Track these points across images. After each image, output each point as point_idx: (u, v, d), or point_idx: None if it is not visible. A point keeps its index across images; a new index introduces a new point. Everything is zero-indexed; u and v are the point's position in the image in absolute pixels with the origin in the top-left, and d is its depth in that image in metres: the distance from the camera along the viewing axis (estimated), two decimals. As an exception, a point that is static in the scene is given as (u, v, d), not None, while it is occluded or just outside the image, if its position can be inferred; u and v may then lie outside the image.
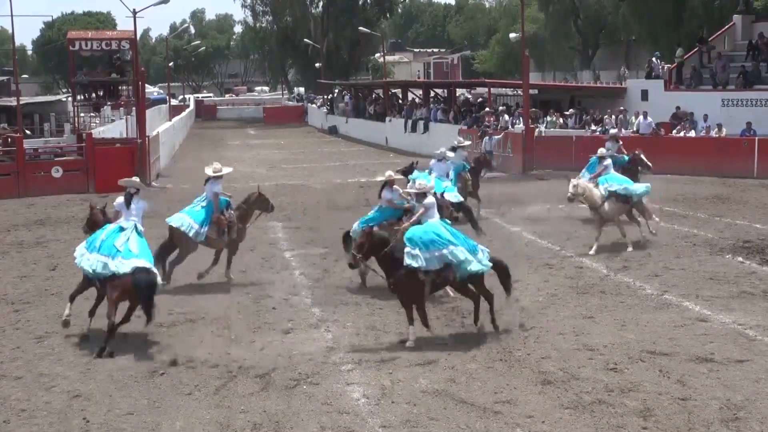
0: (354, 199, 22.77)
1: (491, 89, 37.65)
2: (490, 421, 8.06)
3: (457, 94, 41.10)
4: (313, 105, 62.75)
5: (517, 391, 8.78)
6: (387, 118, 42.25)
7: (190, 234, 13.31)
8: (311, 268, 14.58)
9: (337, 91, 56.68)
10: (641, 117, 28.79)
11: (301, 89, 79.08)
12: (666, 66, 32.24)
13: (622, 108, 30.97)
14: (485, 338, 10.51)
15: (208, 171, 13.82)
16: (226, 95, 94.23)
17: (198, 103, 73.94)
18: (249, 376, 9.38)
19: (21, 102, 32.69)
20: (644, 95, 31.57)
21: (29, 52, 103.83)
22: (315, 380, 9.20)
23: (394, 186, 13.45)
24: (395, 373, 9.37)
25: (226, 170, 14.07)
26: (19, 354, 10.30)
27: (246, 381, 9.22)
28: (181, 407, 8.55)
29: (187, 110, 60.72)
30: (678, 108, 29.38)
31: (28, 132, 32.59)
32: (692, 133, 27.59)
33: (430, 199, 11.14)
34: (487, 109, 33.86)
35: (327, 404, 8.53)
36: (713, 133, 26.70)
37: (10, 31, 40.32)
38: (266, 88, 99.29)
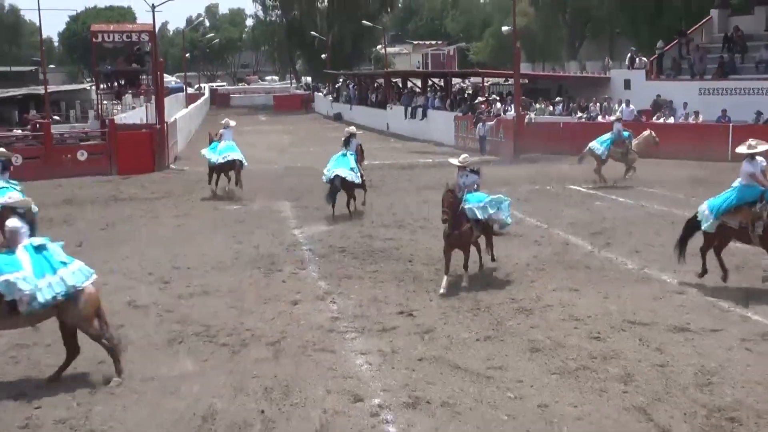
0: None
1: (485, 79, 37.52)
2: (483, 385, 8.09)
3: (453, 83, 40.97)
4: (319, 93, 62.56)
5: (508, 358, 8.81)
6: (388, 106, 42.11)
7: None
8: (318, 245, 14.59)
9: (341, 80, 56.46)
10: (624, 105, 28.69)
11: (309, 78, 78.79)
12: (644, 58, 32.16)
13: (606, 96, 30.87)
14: (479, 310, 10.55)
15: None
16: (239, 84, 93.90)
17: (212, 91, 73.59)
18: (260, 344, 9.41)
19: (48, 90, 32.61)
20: (627, 84, 31.47)
21: (56, 44, 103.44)
22: (321, 348, 9.23)
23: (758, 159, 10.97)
24: (395, 341, 9.41)
25: (233, 123, 21.39)
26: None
27: (258, 348, 9.26)
28: (198, 372, 8.59)
29: (203, 98, 60.45)
30: (658, 96, 29.29)
31: (55, 118, 32.50)
32: (671, 120, 27.51)
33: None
34: (480, 98, 33.74)
35: (332, 369, 8.56)
36: (691, 120, 26.61)
37: (38, 24, 40.18)
38: (276, 78, 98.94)
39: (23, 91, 37.57)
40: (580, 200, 18.86)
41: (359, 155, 17.86)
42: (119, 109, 34.25)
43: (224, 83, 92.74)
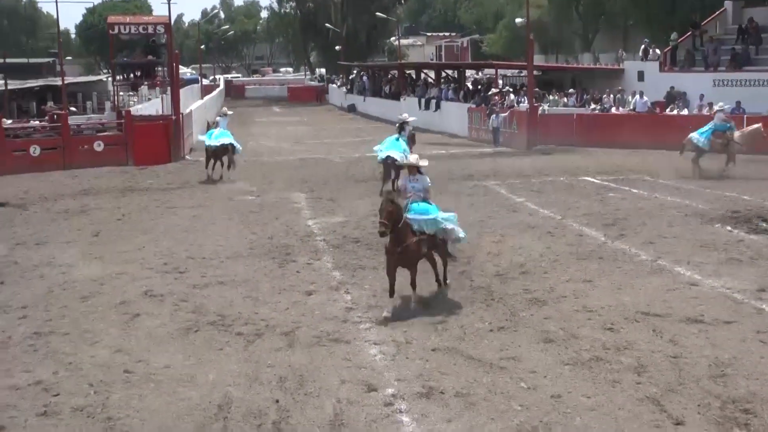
0: (371, 172, 22.67)
1: (498, 70, 37.38)
2: (497, 375, 8.07)
3: (467, 75, 40.89)
4: (333, 85, 62.50)
5: (521, 349, 8.78)
6: (401, 97, 42.03)
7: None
8: (332, 236, 14.58)
9: (355, 72, 56.39)
10: (638, 96, 28.57)
11: (323, 70, 78.78)
12: (657, 50, 31.96)
13: (619, 88, 30.75)
14: (492, 300, 10.51)
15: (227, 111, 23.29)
16: (254, 76, 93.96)
17: (227, 83, 73.66)
18: (275, 333, 9.41)
19: (66, 82, 32.76)
20: (640, 76, 31.29)
21: (73, 36, 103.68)
22: (335, 337, 9.22)
23: None
24: (409, 331, 9.38)
25: (230, 112, 23.46)
26: (66, 312, 10.38)
27: (272, 338, 9.26)
28: (214, 361, 8.60)
29: (218, 90, 60.49)
30: (672, 88, 29.09)
31: (72, 109, 32.65)
32: (685, 112, 27.32)
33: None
34: (493, 89, 33.63)
35: (346, 359, 8.55)
36: (705, 111, 26.41)
37: (55, 16, 40.33)
38: (290, 69, 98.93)
39: (41, 82, 37.83)
40: (594, 191, 18.78)
41: (411, 141, 19.25)
42: (135, 100, 34.37)
43: (239, 75, 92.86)
